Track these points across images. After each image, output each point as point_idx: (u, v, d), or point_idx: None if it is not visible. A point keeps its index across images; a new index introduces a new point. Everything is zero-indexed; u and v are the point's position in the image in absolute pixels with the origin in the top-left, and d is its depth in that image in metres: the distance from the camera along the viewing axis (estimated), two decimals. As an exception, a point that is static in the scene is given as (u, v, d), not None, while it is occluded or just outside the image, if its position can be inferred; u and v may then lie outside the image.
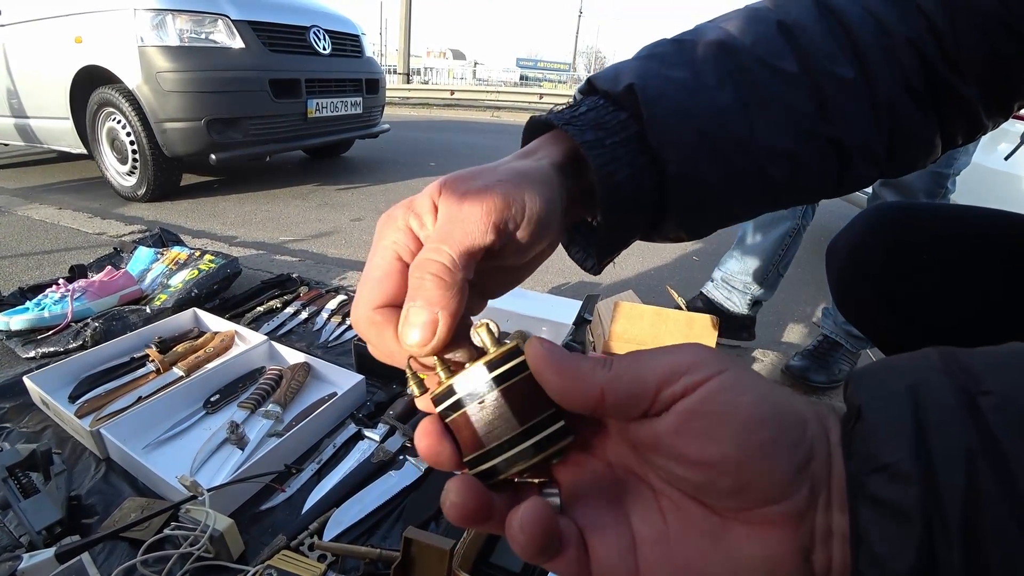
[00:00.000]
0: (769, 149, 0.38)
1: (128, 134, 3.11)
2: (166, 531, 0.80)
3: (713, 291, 1.56)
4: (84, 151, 3.43)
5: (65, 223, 2.63)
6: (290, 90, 3.27)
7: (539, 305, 1.54)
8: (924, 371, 0.21)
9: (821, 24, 0.39)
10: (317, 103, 3.44)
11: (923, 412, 0.20)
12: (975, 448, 0.19)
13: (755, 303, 1.52)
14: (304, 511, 0.92)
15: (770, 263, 1.47)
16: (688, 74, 0.37)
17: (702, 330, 1.16)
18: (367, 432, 1.09)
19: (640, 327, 1.19)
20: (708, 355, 0.23)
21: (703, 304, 1.58)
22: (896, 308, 0.70)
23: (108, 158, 3.35)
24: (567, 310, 1.50)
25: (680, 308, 1.42)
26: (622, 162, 0.34)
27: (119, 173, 3.33)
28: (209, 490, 0.82)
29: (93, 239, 2.38)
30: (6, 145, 4.18)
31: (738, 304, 1.51)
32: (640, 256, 2.53)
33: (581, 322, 1.47)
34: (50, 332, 1.36)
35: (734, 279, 1.51)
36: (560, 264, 2.38)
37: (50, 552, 0.75)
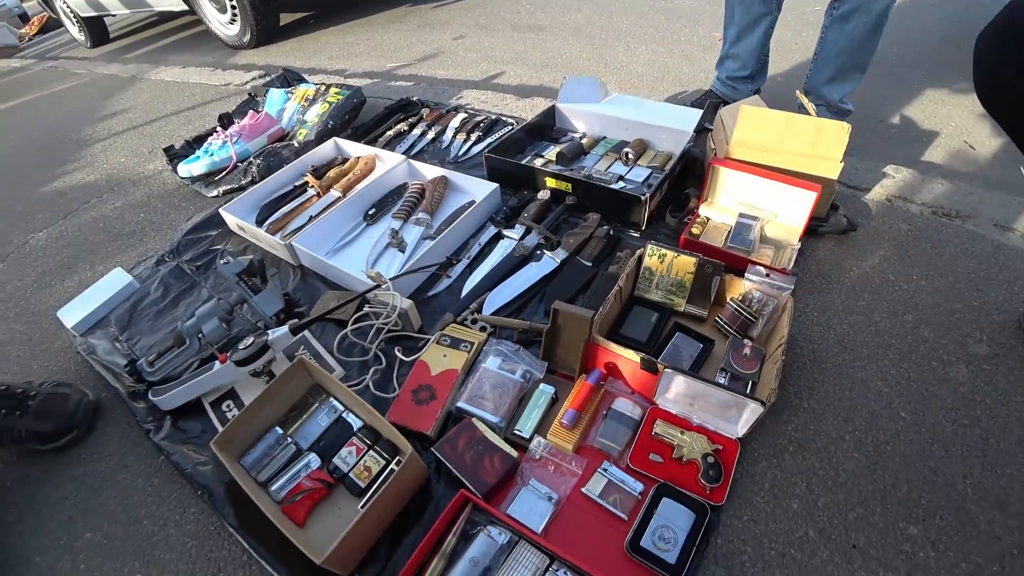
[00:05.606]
0: None
1: (222, -20, 3.24)
2: (365, 309, 1.06)
3: (721, 88, 1.79)
4: (185, 7, 3.65)
5: (193, 80, 2.95)
6: None
7: (659, 113, 1.55)
8: None
9: None
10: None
11: None
12: None
13: (756, 90, 1.75)
14: (463, 295, 1.15)
15: (761, 55, 1.68)
16: None
17: (831, 137, 1.12)
18: (506, 232, 1.28)
19: (765, 133, 1.17)
20: None
21: (714, 99, 1.79)
22: None
23: (208, 10, 3.53)
24: (688, 118, 1.49)
25: (810, 114, 1.36)
26: None
27: (222, 23, 3.53)
28: (392, 279, 1.06)
29: (222, 90, 2.66)
30: (113, 16, 4.51)
31: (744, 93, 1.73)
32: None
33: (701, 130, 1.47)
34: (223, 173, 1.66)
35: (736, 76, 1.73)
36: (678, 71, 2.24)
37: (285, 328, 1.04)
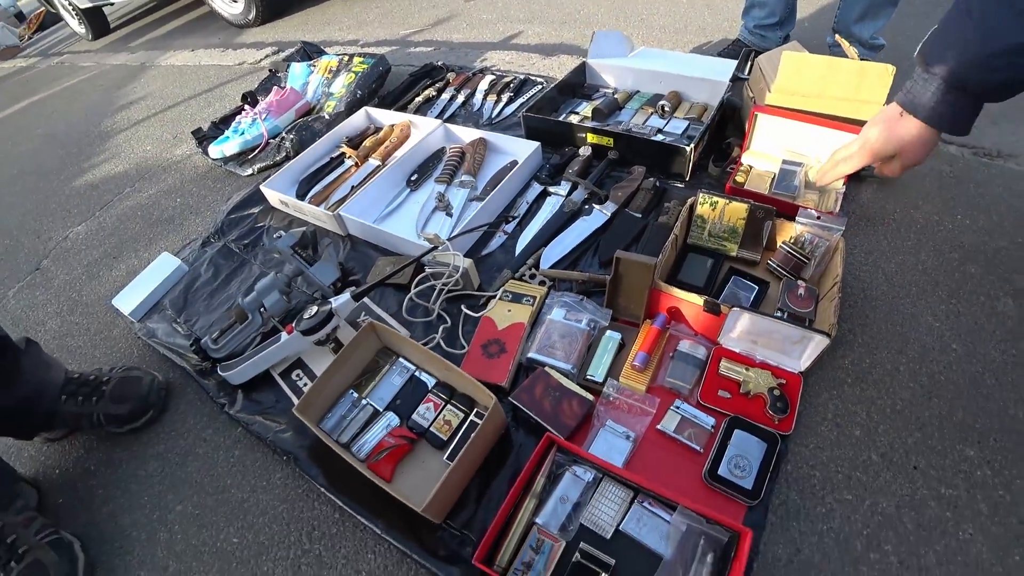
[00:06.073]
0: None
1: (222, -44, 3.23)
2: (426, 270, 1.10)
3: (748, 37, 1.75)
4: (185, -14, 3.65)
5: (204, 62, 2.97)
6: None
7: (691, 65, 1.54)
8: None
9: None
10: None
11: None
12: None
13: (786, 37, 1.74)
14: (518, 252, 1.19)
15: (788, 0, 1.63)
16: None
17: (875, 80, 1.12)
18: (552, 189, 1.31)
19: (807, 79, 1.18)
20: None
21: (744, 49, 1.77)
22: None
23: (210, -12, 3.54)
24: (720, 68, 1.48)
25: (850, 57, 1.34)
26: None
27: (225, 2, 3.53)
28: (449, 239, 1.10)
29: (236, 70, 2.69)
30: (111, 3, 4.50)
31: (773, 40, 1.71)
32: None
33: (735, 80, 1.47)
34: (256, 151, 1.69)
35: (764, 24, 1.70)
36: (700, 22, 2.21)
37: (347, 295, 1.08)
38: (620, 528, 0.79)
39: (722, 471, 0.83)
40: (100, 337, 1.40)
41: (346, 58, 1.84)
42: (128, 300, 1.36)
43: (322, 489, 0.94)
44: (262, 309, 1.16)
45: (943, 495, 0.80)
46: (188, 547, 0.96)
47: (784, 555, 0.78)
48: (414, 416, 0.95)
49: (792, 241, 1.05)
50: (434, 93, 1.75)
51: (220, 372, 1.09)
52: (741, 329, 0.94)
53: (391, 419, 0.96)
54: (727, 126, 1.44)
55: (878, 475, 0.83)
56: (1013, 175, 1.23)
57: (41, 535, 0.95)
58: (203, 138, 1.87)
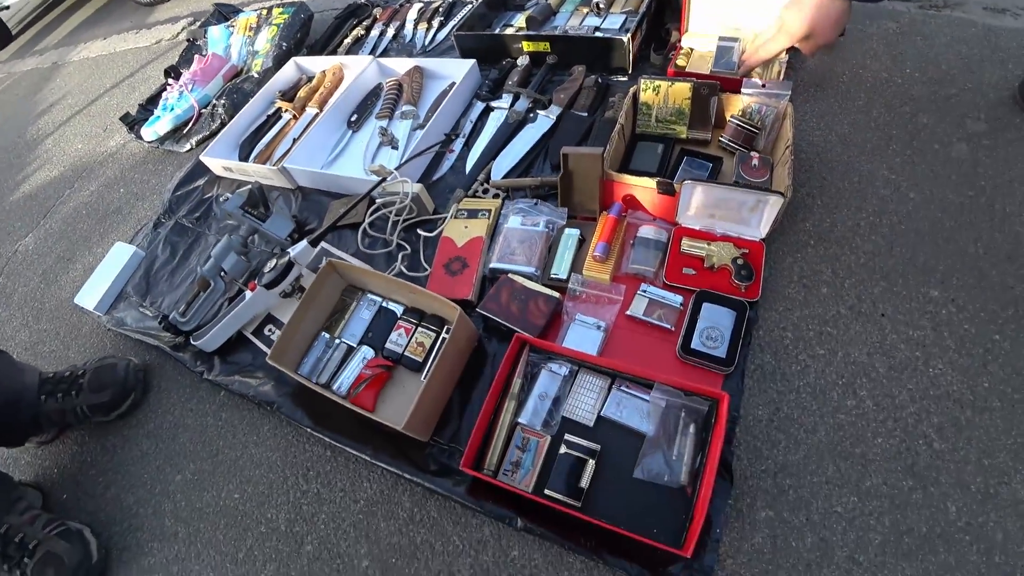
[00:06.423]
0: None
1: (116, -71, 3.06)
2: (377, 203, 1.11)
3: None
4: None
5: (120, 48, 2.85)
6: None
7: None
8: None
9: None
10: None
11: None
12: None
13: None
14: (468, 170, 1.20)
15: None
16: None
17: None
18: (495, 104, 1.30)
19: None
20: None
21: None
22: None
23: (111, -32, 3.37)
24: None
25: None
26: None
27: (128, -19, 3.37)
28: (396, 168, 1.10)
29: (155, 49, 2.59)
30: (7, 7, 4.26)
31: None
32: None
33: None
34: (190, 124, 1.66)
35: None
36: None
37: (304, 242, 1.09)
38: (602, 414, 0.82)
39: (695, 344, 0.86)
40: (71, 338, 1.40)
41: (264, 11, 1.79)
42: (90, 296, 1.35)
43: (309, 430, 0.97)
44: (223, 273, 1.16)
45: (911, 337, 0.85)
46: (193, 511, 0.99)
47: (765, 415, 0.82)
48: (387, 345, 0.97)
49: (741, 114, 1.06)
50: (363, 32, 1.71)
51: (193, 342, 1.11)
52: (697, 204, 0.96)
53: (366, 352, 0.98)
54: (665, 13, 1.42)
55: (848, 327, 0.87)
56: (960, 23, 1.25)
57: (48, 528, 0.98)
58: (133, 122, 1.83)
